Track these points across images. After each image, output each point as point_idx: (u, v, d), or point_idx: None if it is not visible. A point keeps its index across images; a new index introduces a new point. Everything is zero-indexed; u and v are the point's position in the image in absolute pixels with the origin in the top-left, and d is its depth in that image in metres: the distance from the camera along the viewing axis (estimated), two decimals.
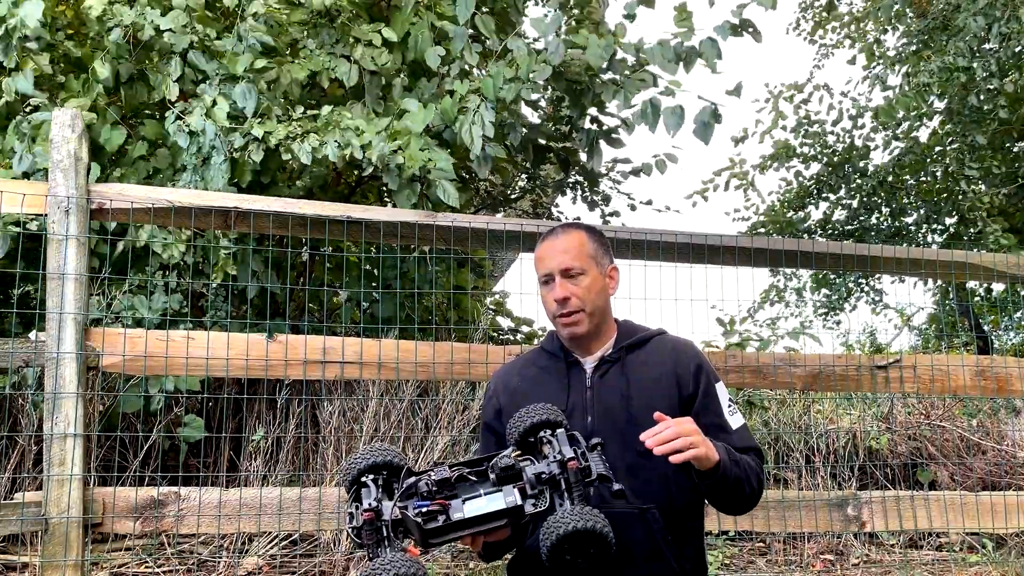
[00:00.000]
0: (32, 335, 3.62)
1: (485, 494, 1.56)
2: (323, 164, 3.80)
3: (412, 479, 1.57)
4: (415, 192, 3.65)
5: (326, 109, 3.70)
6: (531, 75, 3.83)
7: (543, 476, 1.57)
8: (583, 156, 5.61)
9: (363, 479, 1.59)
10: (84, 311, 2.93)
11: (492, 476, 1.59)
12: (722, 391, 2.01)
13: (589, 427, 1.93)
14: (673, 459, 1.69)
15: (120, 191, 3.09)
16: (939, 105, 7.86)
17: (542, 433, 1.65)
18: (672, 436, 1.70)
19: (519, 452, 1.65)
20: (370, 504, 1.53)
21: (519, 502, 1.54)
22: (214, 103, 3.68)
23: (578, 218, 5.99)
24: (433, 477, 1.56)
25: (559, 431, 1.64)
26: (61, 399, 2.84)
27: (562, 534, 1.47)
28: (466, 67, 4.18)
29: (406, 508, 1.54)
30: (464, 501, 1.55)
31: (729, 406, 2.00)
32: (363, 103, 4.06)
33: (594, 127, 4.65)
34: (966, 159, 6.98)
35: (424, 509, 1.52)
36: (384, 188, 5.20)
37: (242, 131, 3.61)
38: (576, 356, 2.04)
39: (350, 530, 1.55)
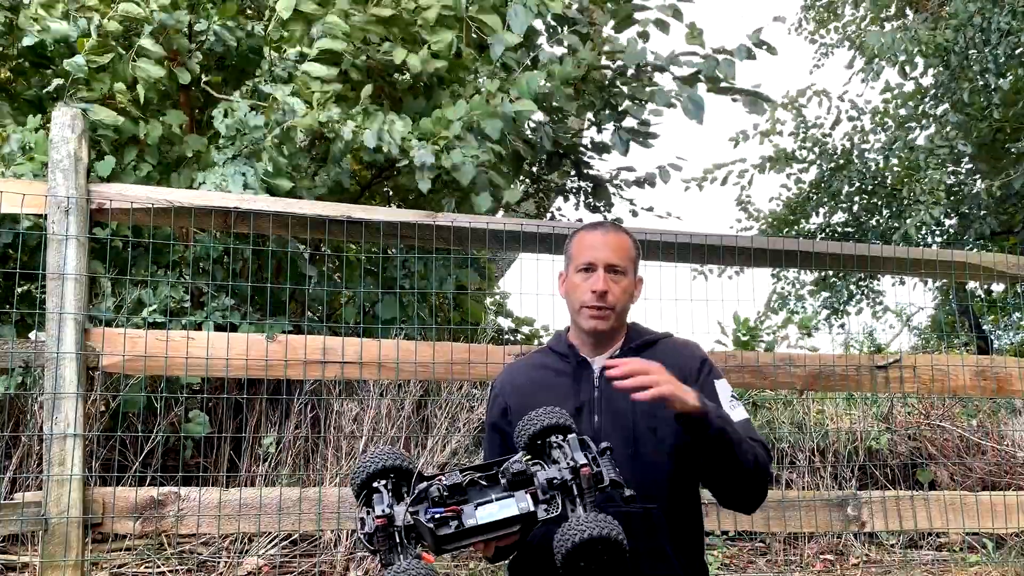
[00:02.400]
0: (32, 335, 3.63)
1: (497, 499, 1.56)
2: (354, 159, 3.80)
3: (423, 484, 1.57)
4: (450, 192, 3.67)
5: (360, 107, 3.72)
6: (577, 67, 3.89)
7: (555, 482, 1.56)
8: (595, 155, 5.68)
9: (374, 484, 1.58)
10: (84, 311, 2.93)
11: (503, 481, 1.58)
12: (723, 386, 2.03)
13: (596, 426, 1.94)
14: (639, 396, 1.72)
15: (120, 191, 3.09)
16: (927, 81, 7.84)
17: (552, 438, 1.64)
18: (638, 370, 1.73)
19: (529, 456, 1.64)
20: (383, 510, 1.52)
21: (532, 508, 1.54)
22: (292, 91, 3.70)
23: (579, 220, 6.00)
24: (444, 482, 1.56)
25: (570, 436, 1.63)
26: (61, 399, 2.84)
27: (578, 542, 1.47)
28: (499, 69, 4.21)
29: (417, 513, 1.53)
30: (476, 507, 1.55)
31: (730, 400, 2.01)
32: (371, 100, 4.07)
33: (623, 126, 4.73)
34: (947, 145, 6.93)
35: (437, 515, 1.52)
36: (388, 190, 5.22)
37: (298, 122, 3.61)
38: (584, 356, 2.04)
39: (361, 536, 1.54)
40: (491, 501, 1.55)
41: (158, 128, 3.83)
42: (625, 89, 4.49)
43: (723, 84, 4.20)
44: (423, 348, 3.18)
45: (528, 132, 4.29)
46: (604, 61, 4.67)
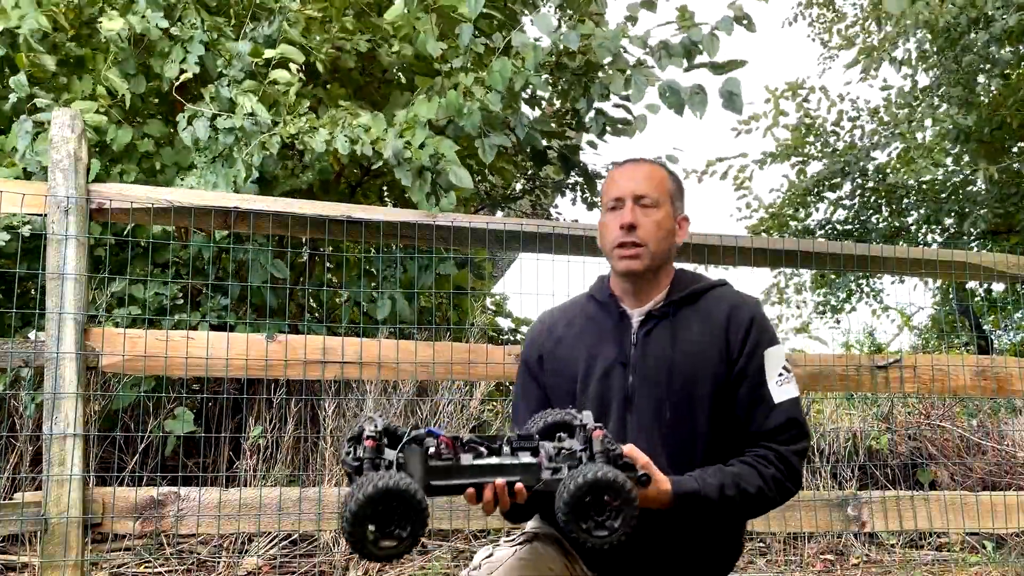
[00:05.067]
0: (32, 335, 3.63)
1: (498, 457, 1.45)
2: (331, 157, 3.80)
3: (420, 431, 1.44)
4: (427, 182, 3.64)
5: (330, 113, 3.70)
6: (539, 61, 3.83)
7: (563, 451, 1.45)
8: (586, 148, 5.62)
9: (372, 416, 1.46)
10: (84, 311, 2.93)
11: (506, 448, 1.46)
12: (774, 357, 1.80)
13: (630, 387, 1.80)
14: None
15: (120, 191, 3.09)
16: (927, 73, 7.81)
17: (562, 433, 1.53)
18: None
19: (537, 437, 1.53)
20: (372, 432, 1.38)
21: (535, 461, 1.43)
22: (255, 92, 3.69)
23: (575, 220, 5.99)
24: (443, 434, 1.44)
25: (586, 411, 1.52)
26: (61, 399, 2.84)
27: (591, 479, 1.34)
28: (469, 64, 4.18)
29: (412, 448, 1.39)
30: (476, 457, 1.43)
31: (780, 375, 1.79)
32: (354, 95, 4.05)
33: (601, 118, 4.65)
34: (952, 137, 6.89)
35: (432, 448, 1.39)
36: (384, 188, 5.21)
37: (273, 129, 3.60)
38: (624, 307, 1.87)
39: (348, 460, 1.39)
40: (492, 458, 1.44)
41: (128, 134, 3.84)
42: (600, 74, 4.36)
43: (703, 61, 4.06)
44: (423, 348, 3.18)
45: (512, 124, 4.24)
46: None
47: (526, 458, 1.44)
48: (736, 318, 1.81)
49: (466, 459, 1.41)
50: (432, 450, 1.39)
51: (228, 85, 3.76)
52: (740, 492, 1.70)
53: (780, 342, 1.84)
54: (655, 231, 1.80)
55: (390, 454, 1.39)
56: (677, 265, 1.95)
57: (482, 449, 1.45)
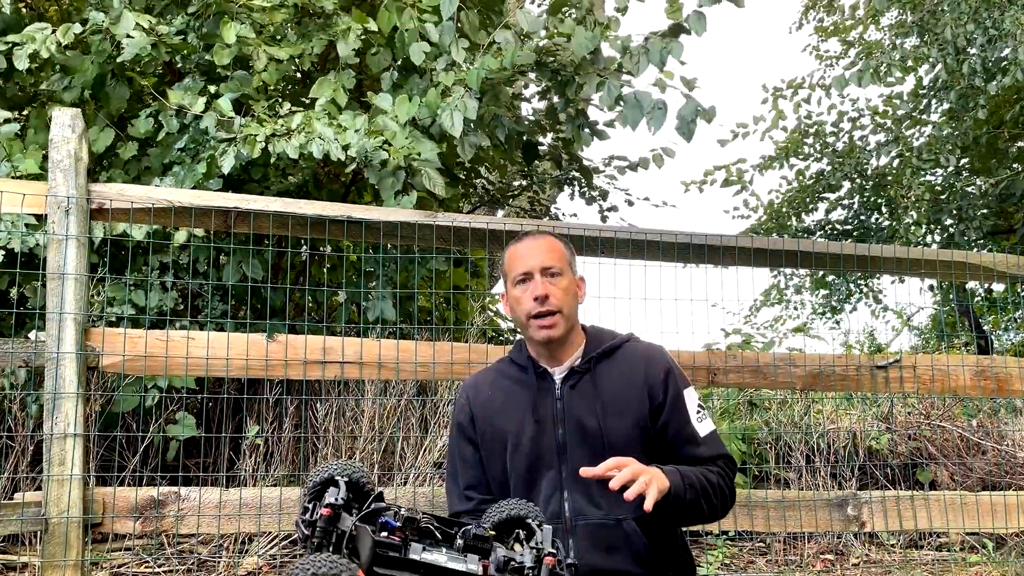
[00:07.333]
0: (32, 335, 3.63)
1: (447, 552, 1.46)
2: (310, 161, 3.80)
3: (381, 504, 1.46)
4: (399, 180, 3.65)
5: (298, 117, 3.70)
6: (515, 59, 3.81)
7: (512, 564, 1.45)
8: (579, 150, 5.60)
9: (337, 479, 1.46)
10: (84, 311, 2.93)
11: (459, 542, 1.48)
12: (691, 397, 2.01)
13: (560, 439, 1.95)
14: (646, 505, 1.70)
15: (120, 191, 3.09)
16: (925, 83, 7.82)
17: (520, 530, 1.55)
18: (630, 477, 1.70)
19: (493, 532, 1.54)
20: (333, 501, 1.40)
21: (480, 574, 1.43)
22: (217, 95, 3.69)
23: (575, 215, 5.99)
24: (402, 512, 1.46)
25: (546, 527, 1.54)
26: (61, 399, 2.84)
27: None
28: (451, 62, 4.17)
29: (364, 529, 1.41)
30: (424, 549, 1.44)
31: (698, 412, 1.99)
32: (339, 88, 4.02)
33: (580, 119, 4.62)
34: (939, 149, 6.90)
35: (385, 534, 1.40)
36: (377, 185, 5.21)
37: (237, 128, 3.61)
38: (544, 366, 2.03)
39: (301, 522, 1.41)
40: (441, 552, 1.45)
41: (109, 136, 3.88)
42: (577, 75, 4.32)
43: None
44: (423, 348, 3.18)
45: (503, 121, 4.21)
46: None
47: (473, 564, 1.44)
48: (653, 367, 2.01)
49: (415, 550, 1.42)
50: (384, 534, 1.40)
51: (193, 79, 3.78)
52: (709, 483, 1.91)
53: (690, 383, 2.05)
54: (565, 297, 1.98)
55: (346, 522, 1.40)
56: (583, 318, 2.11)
57: (437, 534, 1.48)
